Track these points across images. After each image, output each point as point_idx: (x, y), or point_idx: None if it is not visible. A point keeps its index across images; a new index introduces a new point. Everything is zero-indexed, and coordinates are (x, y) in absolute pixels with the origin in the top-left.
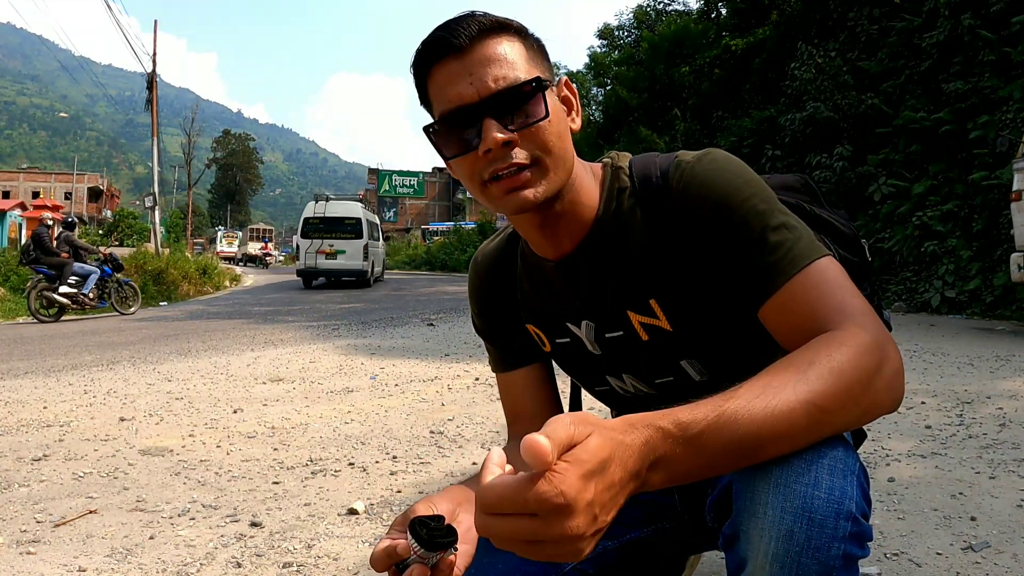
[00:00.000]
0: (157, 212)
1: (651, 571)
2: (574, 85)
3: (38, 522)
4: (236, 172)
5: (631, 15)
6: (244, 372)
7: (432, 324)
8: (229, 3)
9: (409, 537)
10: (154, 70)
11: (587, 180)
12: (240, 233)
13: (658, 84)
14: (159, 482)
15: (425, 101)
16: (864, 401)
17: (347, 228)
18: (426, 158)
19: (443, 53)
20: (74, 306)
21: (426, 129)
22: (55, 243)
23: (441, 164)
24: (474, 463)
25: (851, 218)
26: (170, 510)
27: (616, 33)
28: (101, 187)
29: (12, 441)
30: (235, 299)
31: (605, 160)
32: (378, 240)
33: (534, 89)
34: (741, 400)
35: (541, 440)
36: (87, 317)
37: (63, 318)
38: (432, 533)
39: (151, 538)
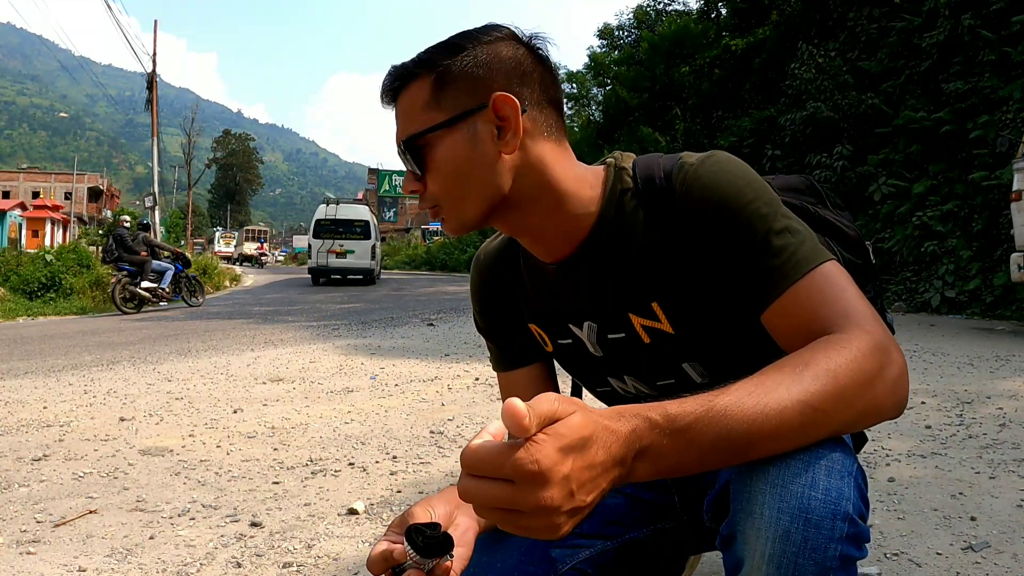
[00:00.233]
0: (157, 212)
1: (651, 571)
2: (516, 100)
3: (38, 522)
4: (236, 172)
5: (631, 15)
6: (244, 372)
7: (432, 324)
8: (229, 3)
9: (405, 544)
10: (154, 70)
11: (581, 184)
12: (236, 234)
13: (658, 84)
14: (159, 482)
15: None
16: (861, 404)
17: (356, 230)
18: None
19: (385, 105)
20: (153, 300)
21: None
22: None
23: None
24: None
25: (852, 218)
26: (170, 510)
27: (616, 33)
28: (101, 187)
29: (12, 441)
30: (235, 299)
31: (608, 160)
32: (378, 241)
33: (408, 145)
34: (732, 396)
35: (519, 405)
36: (163, 309)
37: (144, 309)
38: (428, 541)
39: (151, 538)
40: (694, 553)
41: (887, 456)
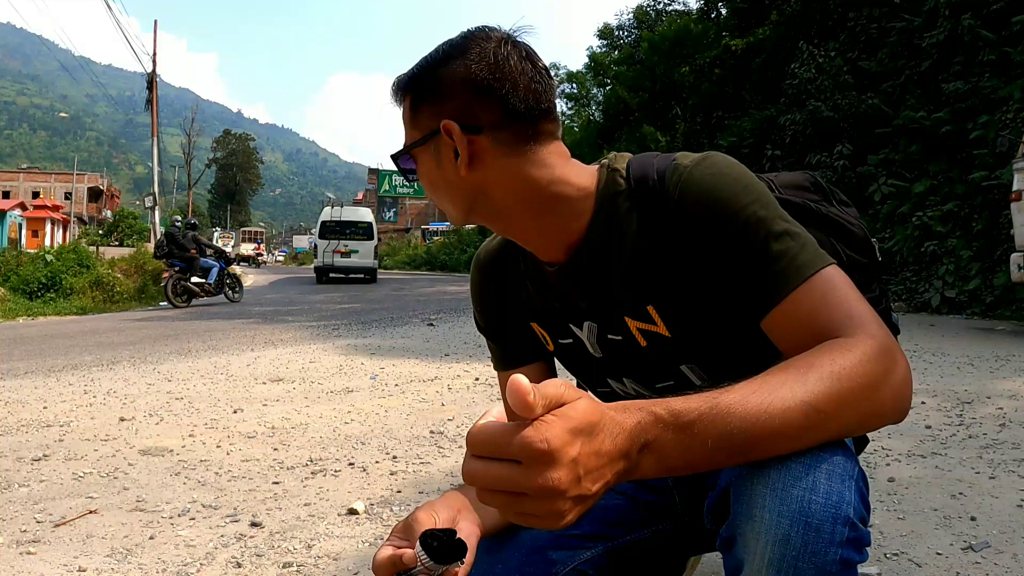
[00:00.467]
0: (157, 212)
1: (651, 573)
2: (457, 127)
3: (38, 522)
4: (236, 172)
5: (631, 15)
6: (244, 372)
7: (432, 324)
8: (229, 3)
9: (418, 548)
10: (154, 70)
11: (572, 187)
12: (234, 234)
13: (658, 84)
14: (159, 482)
15: None
16: (865, 408)
17: (360, 231)
18: None
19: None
20: (201, 294)
21: (392, 157)
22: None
23: None
24: None
25: (858, 215)
26: (170, 510)
27: (616, 33)
28: (101, 187)
29: (12, 441)
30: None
31: (603, 161)
32: (378, 241)
33: (396, 159)
34: (736, 394)
35: (524, 382)
36: (209, 303)
37: (192, 303)
38: (443, 546)
39: (151, 538)
40: (695, 554)
41: (887, 456)
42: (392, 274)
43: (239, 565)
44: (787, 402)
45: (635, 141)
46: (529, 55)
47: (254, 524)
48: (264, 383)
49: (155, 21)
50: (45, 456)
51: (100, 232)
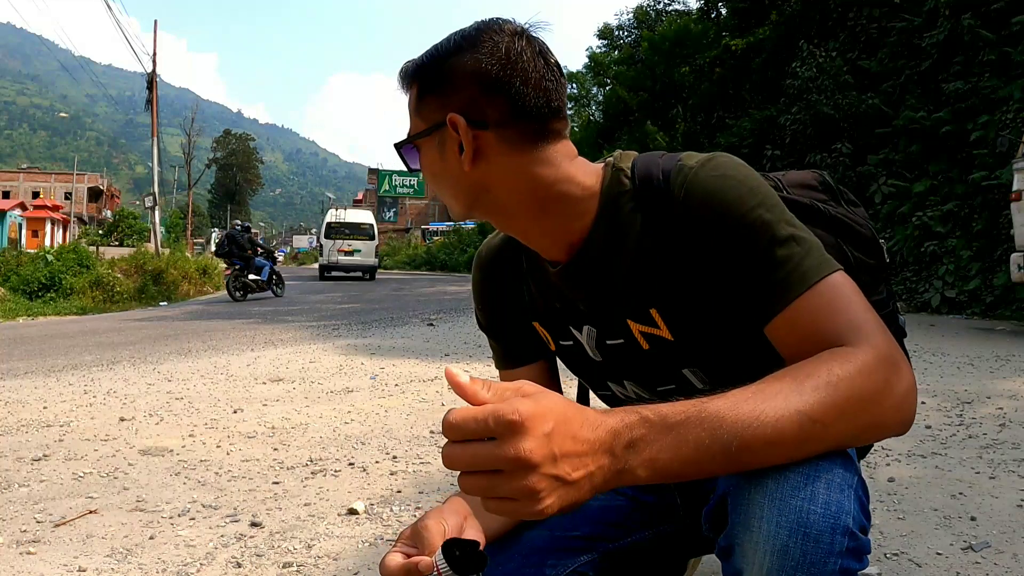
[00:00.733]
0: (157, 212)
1: (651, 574)
2: (463, 122)
3: (38, 522)
4: (236, 172)
5: (631, 15)
6: (244, 372)
7: (432, 324)
8: (229, 3)
9: (439, 556)
10: (154, 70)
11: (575, 186)
12: None
13: (658, 84)
14: (159, 482)
15: None
16: (864, 419)
17: (362, 232)
18: None
19: None
20: (256, 289)
21: (395, 145)
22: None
23: None
24: None
25: (866, 214)
26: (170, 510)
27: (616, 33)
28: (101, 187)
29: (12, 441)
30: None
31: (608, 160)
32: (378, 241)
33: (399, 148)
34: (727, 401)
35: (457, 371)
36: (259, 297)
37: (248, 297)
38: (466, 557)
39: (151, 538)
40: (695, 556)
41: (887, 456)
42: (392, 274)
43: (239, 565)
44: (781, 411)
45: (635, 141)
46: (542, 51)
47: (254, 524)
48: (264, 383)
49: (155, 21)
50: (45, 456)
51: (100, 232)
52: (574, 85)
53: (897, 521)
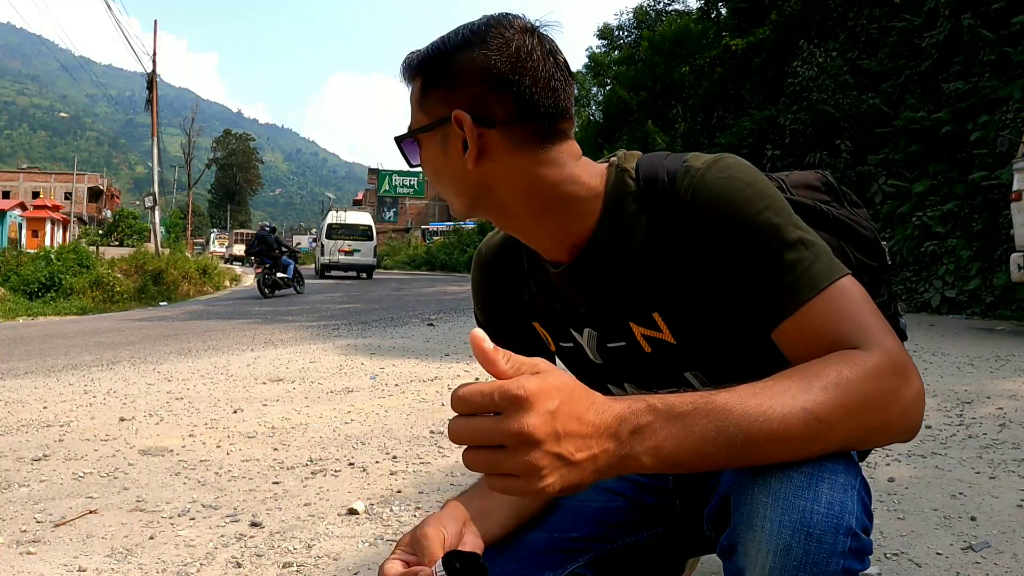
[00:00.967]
0: (157, 212)
1: (649, 574)
2: (469, 119)
3: (38, 522)
4: (236, 172)
5: (631, 15)
6: (244, 372)
7: (432, 324)
8: (229, 3)
9: (439, 567)
10: (154, 70)
11: (579, 186)
12: (227, 236)
13: (658, 84)
14: (159, 482)
15: None
16: (870, 423)
17: (361, 232)
18: None
19: None
20: (283, 286)
21: (396, 139)
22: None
23: None
24: None
25: (868, 216)
26: (170, 510)
27: (616, 33)
28: (101, 187)
29: (12, 441)
30: (235, 299)
31: (612, 159)
32: (376, 241)
33: (400, 142)
34: (735, 394)
35: (482, 335)
36: (283, 294)
37: (275, 294)
38: (466, 570)
39: (151, 538)
40: (694, 556)
41: (887, 456)
42: (392, 274)
43: (239, 565)
44: (788, 408)
45: (635, 141)
46: (552, 50)
47: (254, 524)
48: (264, 383)
49: (155, 21)
50: (45, 456)
51: (100, 232)
52: (575, 85)
53: (897, 521)
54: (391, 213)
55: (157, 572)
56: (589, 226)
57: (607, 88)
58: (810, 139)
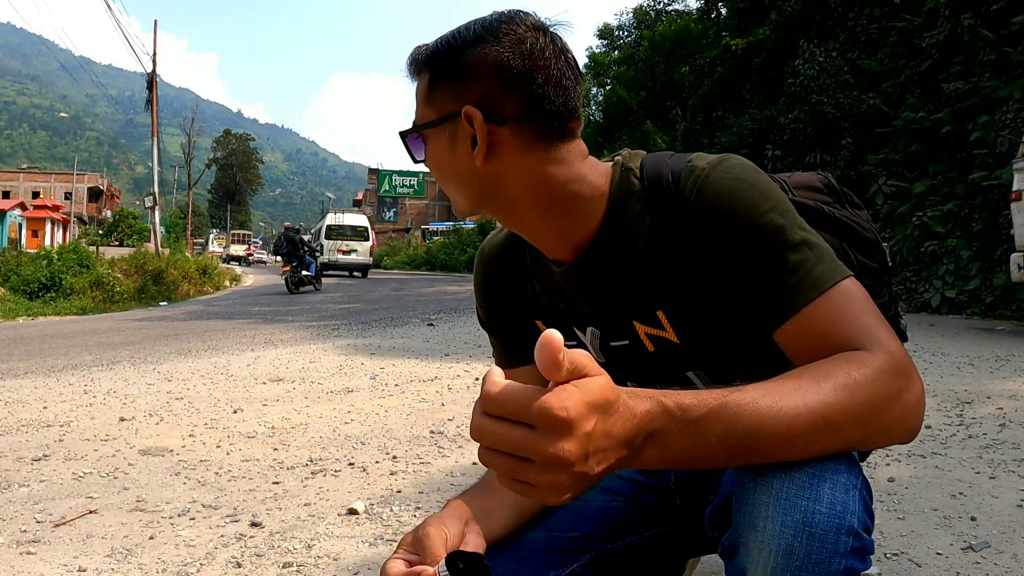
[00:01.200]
0: (157, 212)
1: (649, 574)
2: (480, 116)
3: (38, 522)
4: (236, 172)
5: (631, 15)
6: (244, 372)
7: (432, 324)
8: (229, 3)
9: (442, 568)
10: (154, 70)
11: (585, 185)
12: (224, 236)
13: (658, 84)
14: (159, 482)
15: None
16: (874, 425)
17: (358, 233)
18: None
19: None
20: (307, 284)
21: (400, 134)
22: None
23: None
24: (474, 463)
25: (870, 218)
26: (170, 510)
27: (616, 33)
28: (101, 187)
29: (12, 441)
30: (235, 299)
31: (616, 158)
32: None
33: (404, 137)
34: (747, 395)
35: (558, 337)
36: (306, 290)
37: (300, 290)
38: (470, 571)
39: (151, 538)
40: (694, 556)
41: (887, 456)
42: (392, 274)
43: (239, 565)
44: (798, 408)
45: (636, 141)
46: (563, 49)
47: (254, 524)
48: (264, 383)
49: (155, 21)
50: (45, 456)
51: (100, 232)
52: (583, 84)
53: (897, 521)
54: (391, 213)
55: (157, 572)
56: (594, 225)
57: (607, 88)
58: (810, 139)
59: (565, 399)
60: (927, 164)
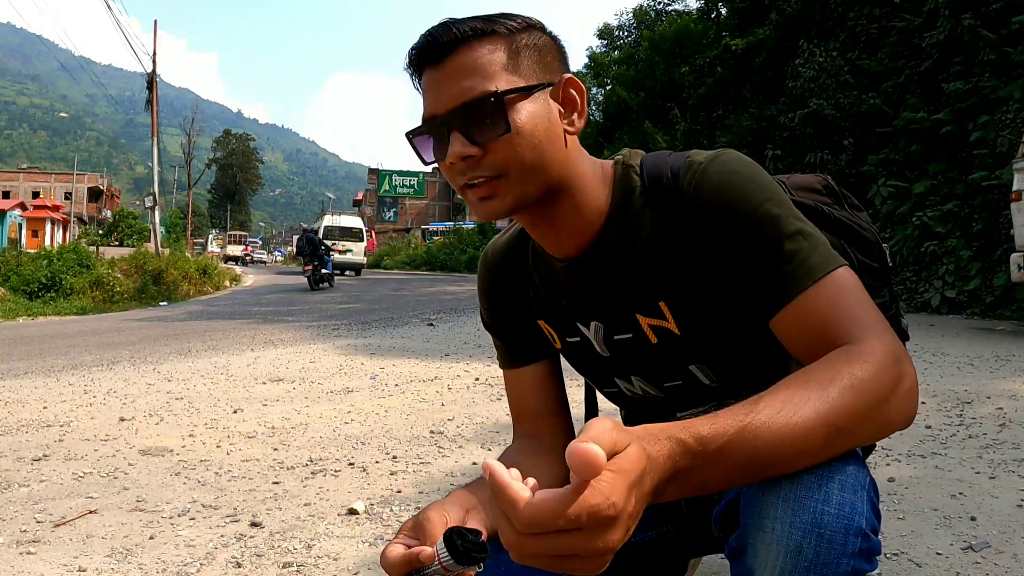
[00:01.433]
0: (157, 212)
1: (652, 574)
2: (582, 84)
3: (38, 522)
4: (236, 172)
5: (631, 15)
6: (244, 372)
7: (432, 324)
8: (229, 3)
9: (440, 546)
10: (154, 70)
11: (594, 180)
12: (222, 237)
13: (658, 84)
14: (159, 482)
15: None
16: (880, 419)
17: (353, 234)
18: None
19: (424, 61)
20: (324, 281)
21: (407, 135)
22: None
23: None
24: (474, 463)
25: (869, 219)
26: (170, 510)
27: (616, 33)
28: (101, 187)
29: (12, 441)
30: (235, 299)
31: (617, 157)
32: (366, 243)
33: (495, 102)
34: (763, 415)
35: (594, 448)
36: (323, 287)
37: (319, 286)
38: (468, 546)
39: (151, 538)
40: (697, 556)
41: (887, 456)
42: (392, 274)
43: (239, 565)
44: (811, 421)
45: (636, 141)
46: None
47: (254, 524)
48: (264, 383)
49: (155, 21)
50: (45, 456)
51: (100, 232)
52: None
53: (897, 521)
54: (391, 213)
55: (157, 572)
56: (600, 220)
57: (607, 88)
58: (810, 138)
59: (610, 493)
60: (927, 164)
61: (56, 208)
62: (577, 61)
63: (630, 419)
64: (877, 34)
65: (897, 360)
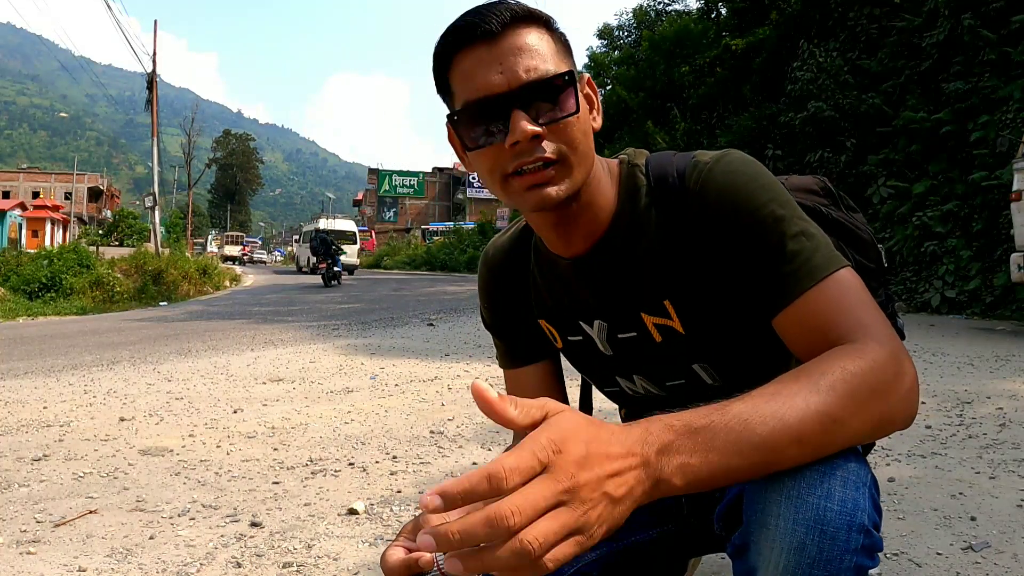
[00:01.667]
0: (157, 212)
1: (654, 573)
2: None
3: (38, 522)
4: (236, 172)
5: (631, 15)
6: (244, 372)
7: (432, 324)
8: (229, 3)
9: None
10: (154, 70)
11: (604, 178)
12: (221, 237)
13: (658, 84)
14: (159, 482)
15: (444, 89)
16: (877, 415)
17: (347, 237)
18: (426, 158)
19: (472, 39)
20: (335, 278)
21: (449, 118)
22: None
23: (441, 164)
24: (474, 463)
25: (865, 220)
26: (170, 510)
27: (616, 33)
28: (101, 187)
29: (12, 441)
30: (235, 299)
31: (622, 157)
32: (358, 244)
33: (566, 83)
34: (747, 404)
35: (484, 386)
36: (331, 287)
37: (331, 283)
38: None
39: (151, 538)
40: (697, 555)
41: (887, 456)
42: (392, 274)
43: (239, 565)
44: (802, 411)
45: (636, 141)
46: None
47: (254, 524)
48: (264, 383)
49: (155, 21)
50: (45, 456)
51: (100, 232)
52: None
53: (897, 521)
54: (391, 213)
55: (157, 572)
56: (607, 218)
57: (607, 88)
58: (810, 138)
59: (548, 434)
60: (927, 164)
61: (56, 208)
62: (577, 61)
63: (630, 418)
64: (877, 34)
65: (896, 358)
